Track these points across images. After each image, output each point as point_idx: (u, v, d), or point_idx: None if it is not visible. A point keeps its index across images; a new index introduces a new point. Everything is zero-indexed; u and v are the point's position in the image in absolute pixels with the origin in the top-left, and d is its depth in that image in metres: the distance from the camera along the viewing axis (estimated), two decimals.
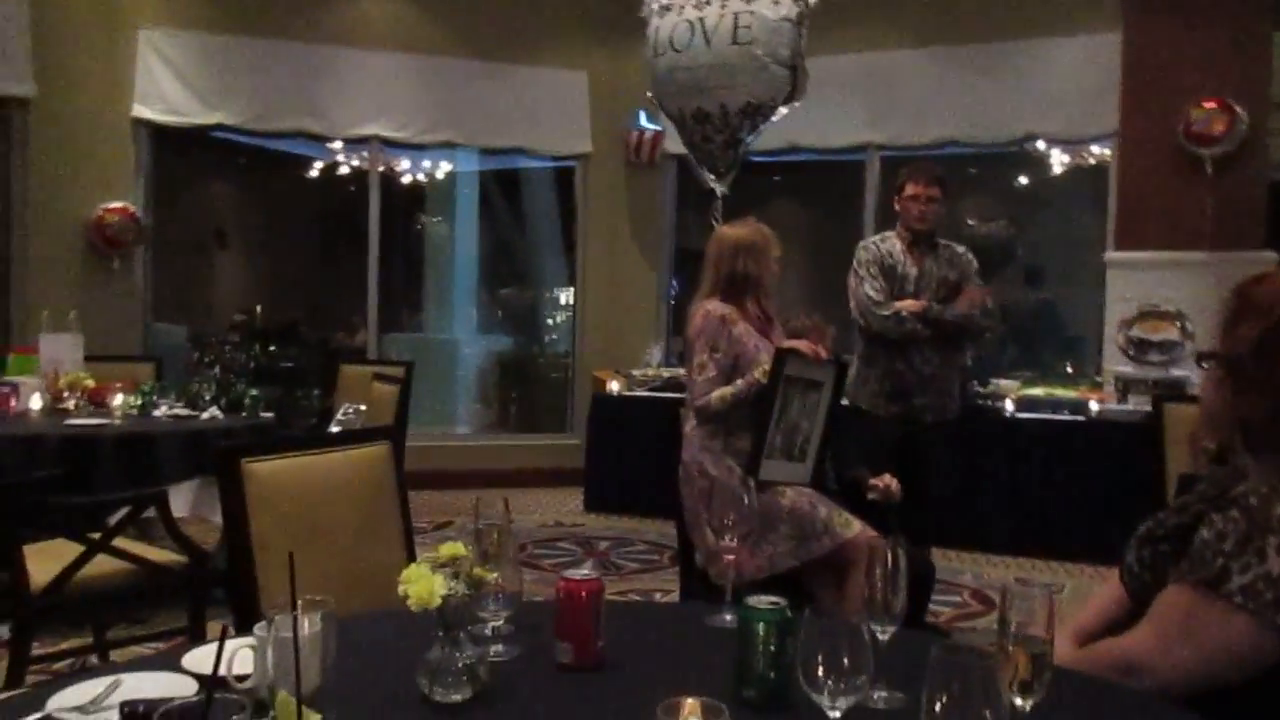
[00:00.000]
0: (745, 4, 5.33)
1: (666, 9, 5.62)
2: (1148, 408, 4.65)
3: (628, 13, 7.42)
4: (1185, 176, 5.91)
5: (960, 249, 4.06)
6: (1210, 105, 5.81)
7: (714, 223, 5.99)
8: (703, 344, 3.13)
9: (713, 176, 5.75)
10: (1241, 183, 5.86)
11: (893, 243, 3.98)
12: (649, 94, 5.90)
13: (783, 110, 5.46)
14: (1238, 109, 5.76)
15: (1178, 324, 5.84)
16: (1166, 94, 5.93)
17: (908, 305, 3.84)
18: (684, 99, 5.58)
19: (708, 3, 5.47)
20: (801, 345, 3.08)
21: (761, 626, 1.32)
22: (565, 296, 8.79)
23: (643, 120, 7.34)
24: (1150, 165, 6.05)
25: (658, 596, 4.57)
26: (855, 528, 2.94)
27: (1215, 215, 5.80)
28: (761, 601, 1.34)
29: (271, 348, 8.04)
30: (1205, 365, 1.53)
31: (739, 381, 3.08)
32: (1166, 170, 5.98)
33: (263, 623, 1.20)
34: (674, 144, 7.13)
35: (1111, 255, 6.22)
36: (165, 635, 3.36)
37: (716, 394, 3.09)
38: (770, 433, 2.99)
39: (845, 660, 1.14)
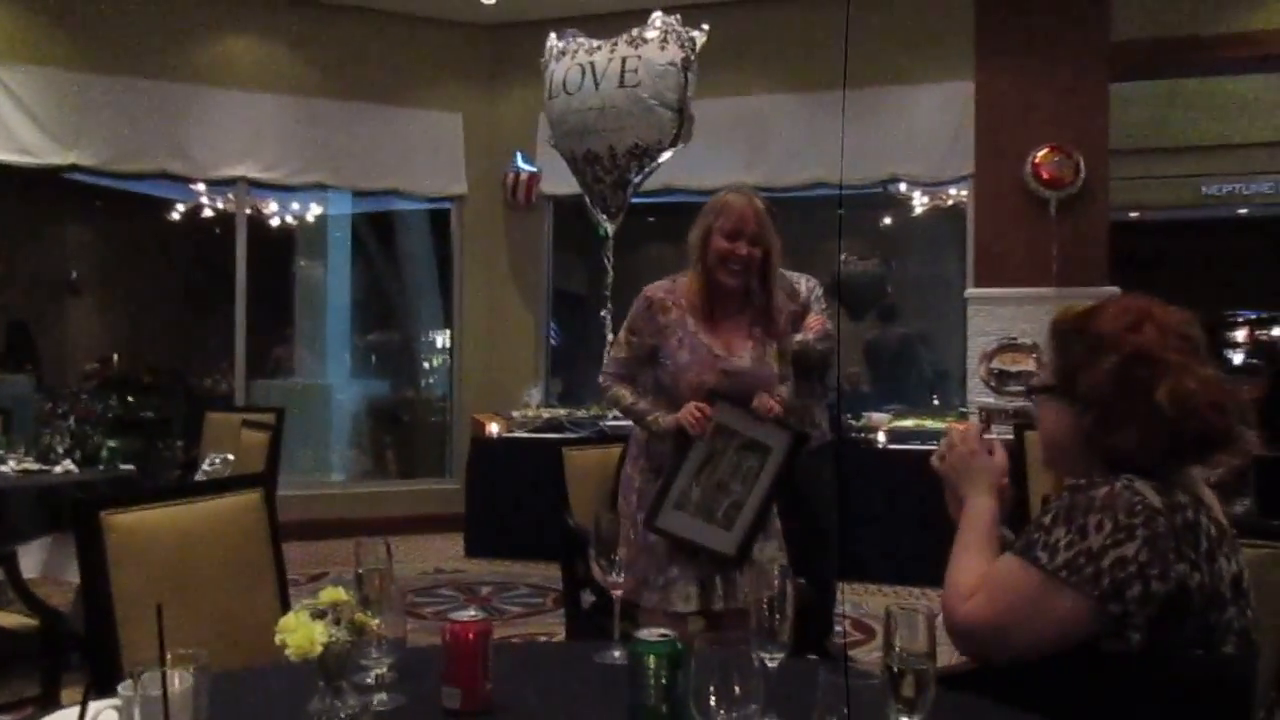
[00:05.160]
0: (633, 49, 5.49)
1: (562, 54, 5.78)
2: (1010, 436, 4.85)
3: (503, 54, 7.48)
4: (1033, 217, 6.28)
5: (795, 277, 3.91)
6: (1053, 151, 6.19)
7: (605, 263, 6.05)
8: (627, 321, 2.83)
9: (604, 217, 5.85)
10: (1084, 223, 6.26)
11: None
12: (548, 136, 5.98)
13: (669, 153, 5.59)
14: (1077, 155, 6.16)
15: (1033, 356, 6.15)
16: (1015, 139, 6.30)
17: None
18: (575, 141, 5.72)
19: (599, 48, 5.64)
20: (760, 401, 2.65)
21: (652, 660, 1.31)
22: (442, 339, 8.66)
23: (519, 161, 7.35)
24: (1002, 206, 6.41)
25: (543, 639, 4.51)
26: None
27: (1062, 254, 6.16)
28: (651, 634, 1.34)
29: (130, 397, 7.67)
30: (1035, 399, 1.62)
31: (643, 406, 2.71)
32: (1017, 211, 6.35)
33: (128, 680, 1.13)
34: (551, 185, 7.17)
35: (971, 291, 6.52)
36: (15, 705, 3.14)
37: (620, 389, 2.75)
38: (680, 480, 2.62)
39: (736, 689, 1.15)
